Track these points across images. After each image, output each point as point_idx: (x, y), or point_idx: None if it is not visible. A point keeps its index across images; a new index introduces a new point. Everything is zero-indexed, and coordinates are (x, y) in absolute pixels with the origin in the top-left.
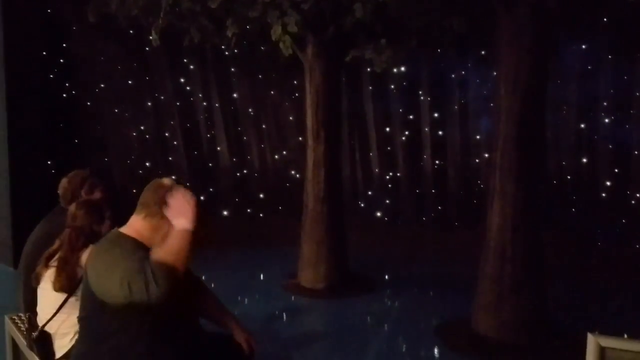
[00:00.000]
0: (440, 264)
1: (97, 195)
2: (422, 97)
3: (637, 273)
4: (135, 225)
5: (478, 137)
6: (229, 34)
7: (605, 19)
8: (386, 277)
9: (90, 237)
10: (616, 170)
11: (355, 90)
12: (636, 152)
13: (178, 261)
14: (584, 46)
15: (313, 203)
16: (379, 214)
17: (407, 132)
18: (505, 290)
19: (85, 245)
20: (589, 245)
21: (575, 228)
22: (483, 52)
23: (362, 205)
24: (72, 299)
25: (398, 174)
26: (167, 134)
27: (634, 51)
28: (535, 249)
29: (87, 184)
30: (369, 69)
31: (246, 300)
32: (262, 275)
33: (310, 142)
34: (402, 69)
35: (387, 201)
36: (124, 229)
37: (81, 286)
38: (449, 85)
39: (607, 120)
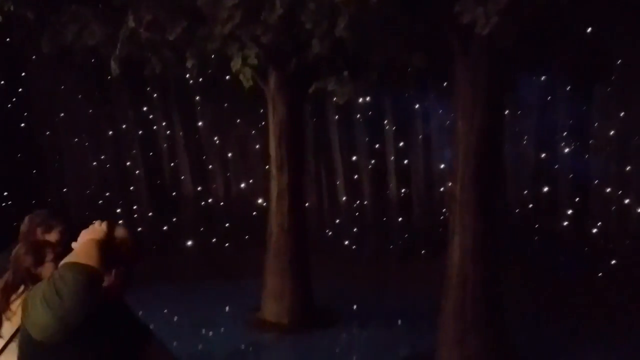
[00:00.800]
0: (407, 295)
1: (53, 236)
2: (387, 127)
3: (599, 303)
4: None
5: (442, 166)
6: (189, 65)
7: (561, 54)
8: (353, 307)
9: (27, 279)
10: (576, 200)
11: (321, 119)
12: (596, 181)
13: (82, 271)
14: (542, 78)
15: (277, 234)
16: (346, 242)
17: (373, 161)
18: (467, 325)
19: (18, 287)
20: (551, 275)
21: (537, 258)
22: (445, 84)
23: (330, 234)
24: (12, 345)
25: (365, 203)
26: (128, 164)
27: (591, 82)
28: (496, 282)
29: (44, 224)
30: (334, 99)
31: (208, 335)
32: (225, 309)
33: (273, 172)
34: (367, 99)
35: (355, 230)
36: None
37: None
38: (413, 116)
39: (566, 150)
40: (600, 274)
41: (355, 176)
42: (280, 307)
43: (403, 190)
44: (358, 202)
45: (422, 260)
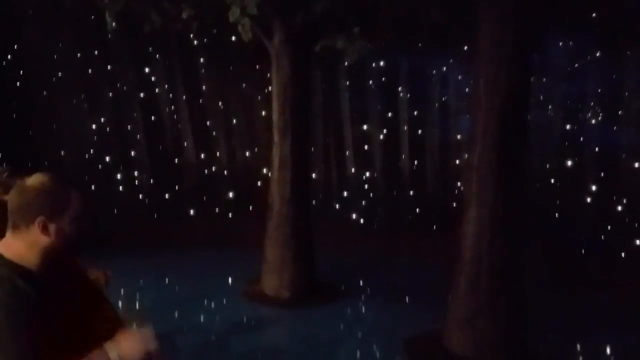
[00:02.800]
0: (417, 270)
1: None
2: (401, 94)
3: (621, 283)
4: (9, 243)
5: (459, 137)
6: (185, 15)
7: (592, 15)
8: (360, 283)
9: None
10: (602, 175)
11: (331, 85)
12: (623, 156)
13: None
14: (570, 43)
15: (279, 205)
16: (354, 216)
17: (385, 131)
18: (480, 305)
19: None
20: (572, 254)
21: (558, 236)
22: (465, 48)
23: (337, 207)
24: None
25: (375, 175)
26: (129, 128)
27: (624, 47)
28: (514, 260)
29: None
30: (346, 63)
31: (204, 308)
32: (224, 280)
33: (276, 139)
34: (381, 63)
35: (363, 203)
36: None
37: None
38: (430, 82)
39: (593, 121)
40: (623, 254)
41: (366, 146)
42: (280, 281)
43: (416, 162)
44: (368, 173)
45: (434, 235)
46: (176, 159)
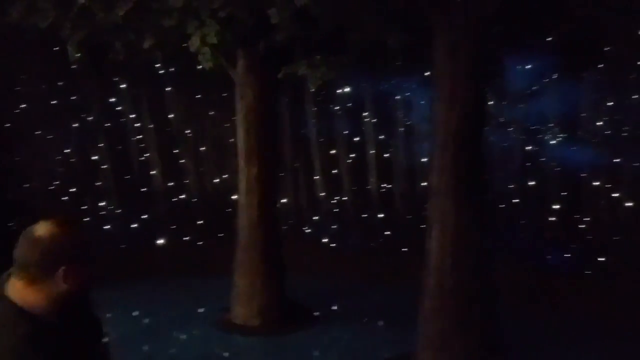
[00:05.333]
0: (389, 292)
1: None
2: (367, 119)
3: (587, 300)
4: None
5: (424, 160)
6: (146, 45)
7: (550, 35)
8: (333, 307)
9: None
10: (564, 193)
11: (298, 110)
12: (584, 174)
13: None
14: (528, 66)
15: (246, 230)
16: (325, 240)
17: (353, 155)
18: (447, 325)
19: None
20: (538, 272)
21: (524, 254)
22: (427, 74)
23: (308, 231)
24: None
25: (344, 198)
26: (95, 157)
27: (581, 69)
28: (479, 279)
29: None
30: (312, 90)
31: (173, 339)
32: (195, 310)
33: (242, 164)
34: (347, 89)
35: (334, 226)
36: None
37: None
38: (395, 107)
39: (554, 142)
40: (588, 271)
41: (334, 170)
42: (249, 308)
43: (384, 185)
44: (337, 197)
45: (405, 257)
46: (144, 188)
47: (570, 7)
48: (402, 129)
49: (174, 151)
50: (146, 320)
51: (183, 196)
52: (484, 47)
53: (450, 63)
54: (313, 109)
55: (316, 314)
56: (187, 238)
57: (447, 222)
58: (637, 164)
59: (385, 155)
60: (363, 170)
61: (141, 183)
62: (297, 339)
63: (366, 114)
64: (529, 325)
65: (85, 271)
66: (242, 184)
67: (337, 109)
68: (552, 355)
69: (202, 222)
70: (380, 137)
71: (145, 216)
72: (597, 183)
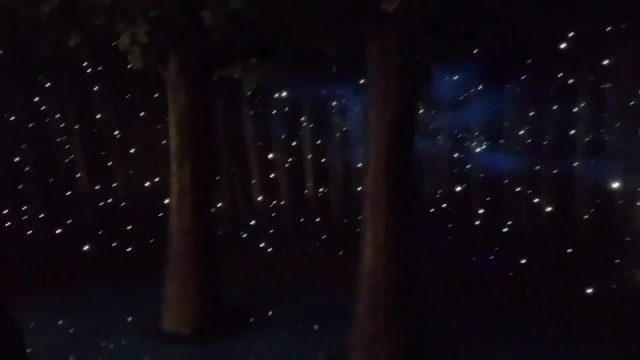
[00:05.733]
0: (325, 295)
1: None
2: (304, 124)
3: (511, 300)
4: None
5: (360, 165)
6: (72, 43)
7: (476, 47)
8: (269, 312)
9: None
10: (488, 199)
11: (236, 114)
12: (506, 181)
13: None
14: (456, 77)
15: (178, 236)
16: (262, 244)
17: (289, 159)
18: (379, 327)
19: None
20: (464, 274)
21: (451, 257)
22: (362, 81)
23: (244, 235)
24: None
25: (281, 202)
26: (16, 160)
27: (503, 81)
28: (410, 282)
29: None
30: (249, 94)
31: (100, 349)
32: (124, 318)
33: (174, 168)
34: (284, 93)
35: (270, 231)
36: None
37: None
38: (331, 112)
39: (478, 149)
40: (511, 273)
41: (272, 175)
42: (181, 316)
43: (321, 190)
44: (274, 201)
45: (341, 260)
46: (69, 191)
47: (494, 21)
48: (338, 134)
49: (102, 153)
50: (72, 330)
51: (111, 200)
52: (414, 57)
53: (382, 71)
54: (250, 113)
55: (251, 319)
56: (115, 244)
57: (380, 226)
58: (556, 171)
59: (322, 160)
60: (300, 175)
61: (66, 186)
62: (230, 346)
63: (303, 118)
64: (457, 326)
65: None
66: (175, 188)
67: (275, 113)
68: (478, 355)
69: (131, 227)
70: (317, 142)
71: (71, 221)
72: (519, 189)
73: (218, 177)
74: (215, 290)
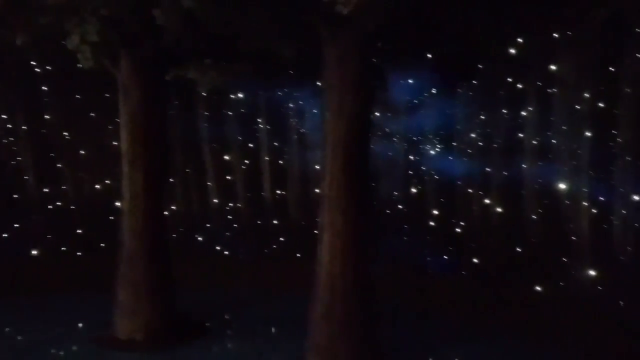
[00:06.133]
0: (282, 299)
1: None
2: (261, 125)
3: (464, 301)
4: None
5: (317, 167)
6: (19, 42)
7: (429, 55)
8: (225, 317)
9: None
10: (442, 200)
11: (191, 115)
12: (459, 182)
13: None
14: (410, 81)
15: (129, 240)
16: (218, 247)
17: (246, 161)
18: (335, 329)
19: None
20: (420, 275)
21: (406, 258)
22: (319, 84)
23: (200, 239)
24: None
25: (238, 205)
26: None
27: (455, 85)
28: (366, 284)
29: None
30: (205, 95)
31: (51, 356)
32: (74, 326)
33: (125, 170)
34: (240, 95)
35: (227, 234)
36: None
37: None
38: (288, 115)
39: (432, 152)
40: (464, 272)
41: (228, 177)
42: (133, 323)
43: (278, 192)
44: (231, 204)
45: (299, 263)
46: (16, 194)
47: (446, 27)
48: (296, 136)
49: (51, 155)
50: (19, 338)
51: (60, 203)
52: (369, 61)
53: (338, 74)
54: (206, 114)
55: (207, 324)
56: (65, 249)
57: (336, 228)
58: (506, 173)
59: (279, 162)
60: (257, 177)
61: (13, 189)
62: (185, 352)
63: (260, 120)
64: (413, 327)
65: None
66: (126, 191)
67: (231, 115)
68: (434, 356)
69: (81, 231)
70: (274, 144)
71: (18, 225)
72: (471, 190)
73: (172, 180)
74: (168, 296)
